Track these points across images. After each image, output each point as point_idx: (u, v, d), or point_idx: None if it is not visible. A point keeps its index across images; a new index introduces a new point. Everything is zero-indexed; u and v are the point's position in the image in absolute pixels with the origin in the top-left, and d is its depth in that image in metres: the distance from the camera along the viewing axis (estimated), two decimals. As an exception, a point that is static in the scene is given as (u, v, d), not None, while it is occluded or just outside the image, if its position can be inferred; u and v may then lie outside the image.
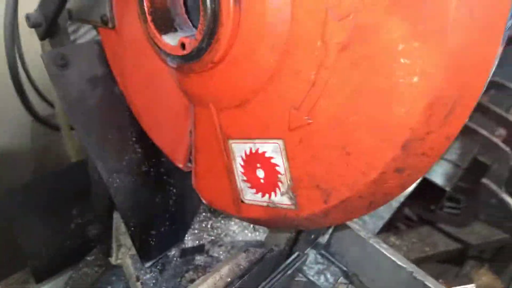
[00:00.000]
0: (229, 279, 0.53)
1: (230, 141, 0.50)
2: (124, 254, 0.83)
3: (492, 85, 1.55)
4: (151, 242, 0.70)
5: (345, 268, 0.73)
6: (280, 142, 0.45)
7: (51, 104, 1.16)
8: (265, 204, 0.50)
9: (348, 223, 0.72)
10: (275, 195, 0.48)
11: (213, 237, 0.87)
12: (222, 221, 0.90)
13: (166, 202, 0.71)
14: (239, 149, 0.49)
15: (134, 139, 0.67)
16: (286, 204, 0.47)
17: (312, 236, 0.71)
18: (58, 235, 0.95)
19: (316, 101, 0.40)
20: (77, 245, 0.96)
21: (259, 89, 0.44)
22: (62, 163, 1.14)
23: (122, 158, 0.66)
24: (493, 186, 1.09)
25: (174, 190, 0.72)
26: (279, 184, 0.47)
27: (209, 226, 0.89)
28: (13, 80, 0.98)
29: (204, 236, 0.87)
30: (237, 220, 0.89)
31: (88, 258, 0.88)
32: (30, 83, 1.11)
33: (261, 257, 0.58)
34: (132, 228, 0.67)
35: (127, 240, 0.82)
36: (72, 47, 0.65)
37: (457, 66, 0.32)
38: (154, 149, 0.67)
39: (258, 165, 0.48)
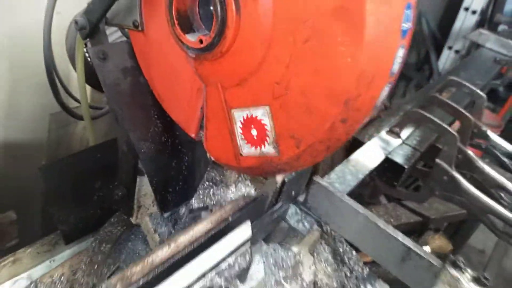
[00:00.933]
0: (231, 213, 0.74)
1: (232, 110, 0.71)
2: (143, 213, 1.02)
3: (453, 83, 1.79)
4: (168, 197, 0.90)
5: (318, 218, 0.94)
6: (267, 107, 0.66)
7: (76, 99, 1.35)
8: (257, 154, 0.70)
9: (321, 182, 0.93)
10: (264, 147, 0.69)
11: (213, 202, 1.07)
12: (222, 190, 1.10)
13: (180, 166, 0.91)
14: (239, 115, 0.70)
15: (156, 116, 0.87)
16: (272, 152, 0.68)
17: (293, 193, 0.92)
18: (83, 204, 1.14)
19: (290, 78, 0.61)
20: (98, 214, 1.15)
21: (253, 72, 0.65)
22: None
23: (147, 130, 0.86)
24: (445, 165, 1.31)
25: (186, 158, 0.92)
26: (267, 138, 0.68)
27: (211, 193, 1.09)
28: (49, 78, 1.18)
29: (207, 200, 1.07)
30: (233, 189, 1.09)
31: (112, 220, 1.08)
32: (60, 82, 1.30)
33: (254, 199, 0.78)
34: (155, 185, 0.87)
35: (146, 201, 1.01)
36: (110, 45, 0.86)
37: (372, 52, 0.53)
38: (172, 124, 0.87)
39: (252, 126, 0.69)
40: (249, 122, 0.69)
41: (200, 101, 0.78)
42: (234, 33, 0.63)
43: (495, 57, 2.48)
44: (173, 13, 0.68)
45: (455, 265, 0.77)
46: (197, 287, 0.58)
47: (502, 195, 1.45)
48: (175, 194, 0.91)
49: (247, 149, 0.71)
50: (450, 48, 3.51)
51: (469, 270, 0.77)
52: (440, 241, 1.36)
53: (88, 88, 1.13)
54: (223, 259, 0.64)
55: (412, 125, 1.48)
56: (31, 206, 1.79)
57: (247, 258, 0.68)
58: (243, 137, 0.71)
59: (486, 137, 1.68)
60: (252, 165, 0.72)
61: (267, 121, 0.66)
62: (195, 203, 1.02)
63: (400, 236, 0.82)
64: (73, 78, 1.30)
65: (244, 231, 0.69)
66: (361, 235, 0.88)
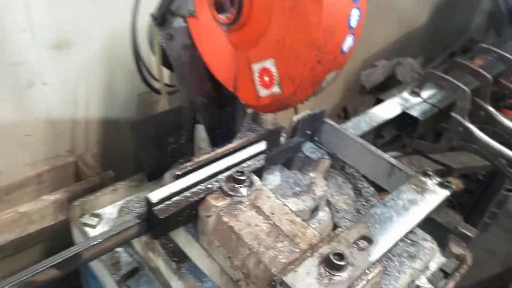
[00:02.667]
0: (253, 137, 1.05)
1: (252, 65, 1.02)
2: (201, 153, 1.38)
3: (482, 50, 1.92)
4: (217, 137, 1.25)
5: (329, 151, 1.22)
6: (273, 59, 0.96)
7: (156, 80, 1.75)
8: (269, 94, 1.01)
9: (330, 123, 1.21)
10: (273, 88, 0.99)
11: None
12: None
13: (224, 115, 1.25)
14: (256, 67, 1.02)
15: (207, 77, 1.22)
16: (278, 91, 0.98)
17: (308, 132, 1.21)
18: (161, 153, 1.53)
19: (284, 36, 0.91)
20: (171, 161, 1.54)
21: (262, 34, 0.96)
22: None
23: (201, 88, 1.21)
24: (459, 118, 1.50)
25: (229, 109, 1.26)
26: (274, 81, 0.98)
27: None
28: (136, 65, 1.59)
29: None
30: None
31: (181, 160, 1.46)
32: (145, 68, 1.71)
33: (272, 129, 1.09)
34: (208, 128, 1.22)
35: (203, 144, 1.37)
36: (174, 29, 1.22)
37: (330, 12, 0.82)
38: (217, 84, 1.21)
39: (265, 74, 1.00)
40: (263, 72, 1.00)
41: (234, 62, 1.11)
42: (248, 9, 0.95)
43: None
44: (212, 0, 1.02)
45: (425, 174, 1.01)
46: (225, 174, 0.91)
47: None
48: (221, 135, 1.25)
49: (263, 91, 1.03)
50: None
51: (436, 178, 1.00)
52: (453, 180, 1.54)
53: (165, 72, 1.50)
54: (244, 161, 0.97)
55: (435, 87, 1.67)
56: (126, 167, 2.27)
57: (261, 162, 0.99)
58: (260, 83, 1.02)
59: (517, 98, 1.81)
60: (267, 103, 1.03)
61: (273, 69, 0.97)
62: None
63: (386, 157, 1.08)
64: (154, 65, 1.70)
65: (260, 146, 1.00)
66: (360, 160, 1.14)
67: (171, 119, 1.52)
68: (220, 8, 1.02)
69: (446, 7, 4.34)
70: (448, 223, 1.40)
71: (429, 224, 1.34)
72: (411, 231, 0.93)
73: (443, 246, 1.40)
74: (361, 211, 1.33)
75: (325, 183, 1.23)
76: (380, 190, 1.54)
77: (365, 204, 1.37)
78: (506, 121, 1.59)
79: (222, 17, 1.01)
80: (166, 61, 1.42)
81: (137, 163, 2.28)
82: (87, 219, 1.32)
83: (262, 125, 1.41)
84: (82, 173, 2.01)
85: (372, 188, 1.44)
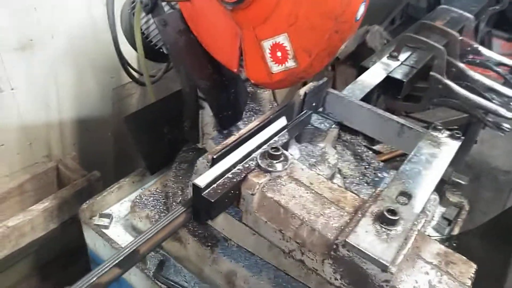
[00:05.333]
0: (271, 114, 1.07)
1: (262, 42, 1.03)
2: (206, 139, 1.37)
3: (444, 11, 2.03)
4: (224, 119, 1.25)
5: (335, 119, 1.26)
6: (285, 34, 0.97)
7: (137, 72, 1.69)
8: (283, 69, 1.02)
9: (335, 92, 1.25)
10: (287, 62, 1.00)
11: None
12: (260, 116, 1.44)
13: (228, 96, 1.25)
14: (267, 44, 1.02)
15: (206, 60, 1.20)
16: (293, 65, 1.00)
17: (313, 104, 1.24)
18: (158, 144, 1.51)
19: (298, 9, 0.92)
20: (170, 151, 1.52)
21: (273, 10, 0.96)
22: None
23: (202, 71, 1.20)
24: (438, 76, 1.59)
25: (232, 90, 1.26)
26: (288, 55, 0.99)
27: (252, 119, 1.42)
28: (119, 58, 1.53)
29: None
30: (269, 115, 1.42)
31: (184, 148, 1.44)
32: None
33: (286, 104, 1.11)
34: (214, 110, 1.21)
35: (208, 129, 1.35)
36: (168, 14, 1.19)
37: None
38: (219, 66, 1.20)
39: (277, 49, 1.01)
40: (274, 47, 1.01)
41: (238, 42, 1.11)
42: (256, -12, 0.95)
43: (490, -17, 2.64)
44: (214, -19, 1.01)
45: (436, 129, 1.08)
46: (258, 153, 0.92)
47: (494, 96, 1.73)
48: (228, 116, 1.25)
49: (275, 67, 1.04)
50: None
51: (446, 131, 1.08)
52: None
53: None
54: (271, 137, 0.98)
55: (409, 50, 1.75)
56: (107, 164, 2.20)
57: (287, 137, 1.01)
58: (272, 59, 1.03)
59: (478, 52, 1.94)
60: (281, 78, 1.04)
61: (287, 44, 0.98)
62: (241, 125, 1.36)
63: (395, 117, 1.14)
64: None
65: (281, 121, 1.02)
66: (368, 123, 1.19)
67: (162, 109, 1.50)
68: (224, -12, 1.01)
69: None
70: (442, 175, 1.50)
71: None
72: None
73: (440, 197, 1.51)
74: (366, 174, 1.40)
75: (336, 151, 1.27)
76: (377, 153, 1.62)
77: (368, 167, 1.43)
78: (476, 75, 1.71)
79: (228, -4, 1.00)
80: (147, 52, 1.39)
81: (120, 157, 2.21)
82: (98, 221, 1.28)
83: (260, 103, 1.42)
84: (66, 177, 1.93)
85: (370, 152, 1.51)
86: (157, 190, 1.33)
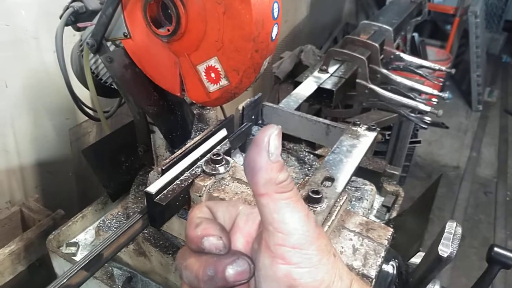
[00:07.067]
0: (212, 127, 1.21)
1: (197, 66, 1.18)
2: (160, 161, 1.49)
3: (365, 25, 2.28)
4: (174, 140, 1.38)
5: (273, 128, 1.42)
6: (216, 57, 1.13)
7: (91, 109, 1.80)
8: (218, 88, 1.17)
9: (270, 105, 1.41)
10: (221, 81, 1.16)
11: (206, 144, 1.54)
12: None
13: (176, 119, 1.38)
14: (202, 68, 1.17)
15: (152, 89, 1.34)
16: (226, 83, 1.15)
17: (253, 117, 1.40)
18: (117, 172, 1.61)
19: (222, 36, 1.09)
20: (129, 177, 1.62)
21: (202, 38, 1.12)
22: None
23: (150, 99, 1.33)
24: (363, 82, 1.80)
25: (179, 113, 1.40)
26: (221, 75, 1.15)
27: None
28: (73, 98, 1.64)
29: (201, 143, 1.54)
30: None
31: (141, 172, 1.55)
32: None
33: (226, 119, 1.26)
34: (163, 132, 1.34)
35: (160, 151, 1.48)
36: (112, 52, 1.32)
37: (258, 9, 1.01)
38: (163, 92, 1.34)
39: (211, 71, 1.16)
40: (208, 70, 1.17)
41: (177, 69, 1.25)
42: (185, 20, 1.10)
43: (411, -1, 2.94)
44: (148, 19, 1.16)
45: (355, 124, 1.25)
46: (202, 160, 1.05)
47: (416, 95, 1.96)
48: (177, 137, 1.38)
49: (212, 87, 1.19)
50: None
51: (364, 125, 1.25)
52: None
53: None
54: (213, 147, 1.12)
55: (337, 63, 1.97)
56: (72, 203, 2.26)
57: (228, 145, 1.15)
58: (208, 80, 1.18)
59: (401, 58, 2.19)
60: (217, 96, 1.19)
61: (218, 65, 1.14)
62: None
63: (321, 120, 1.31)
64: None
65: (222, 132, 1.16)
66: (300, 128, 1.36)
67: (117, 139, 1.61)
68: (158, 24, 1.16)
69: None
70: (378, 168, 1.69)
71: (364, 173, 1.61)
72: (353, 175, 1.17)
73: (378, 188, 1.69)
74: (309, 175, 1.56)
75: (277, 156, 1.42)
76: (318, 157, 1.78)
77: (310, 169, 1.59)
78: (398, 78, 1.94)
79: (162, 31, 1.15)
80: (98, 89, 1.51)
81: (83, 195, 2.28)
82: (65, 250, 1.35)
83: (207, 123, 1.56)
84: (30, 219, 1.97)
85: (312, 156, 1.67)
86: (119, 213, 1.42)
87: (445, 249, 0.72)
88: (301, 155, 1.64)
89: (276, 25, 1.08)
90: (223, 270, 0.49)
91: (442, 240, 0.73)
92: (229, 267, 0.49)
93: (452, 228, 0.74)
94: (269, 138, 0.46)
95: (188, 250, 0.54)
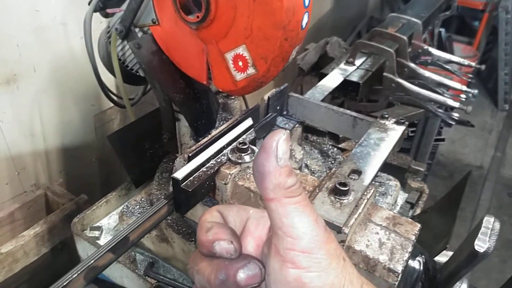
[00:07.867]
0: (238, 117, 1.20)
1: (225, 53, 1.17)
2: (184, 148, 1.49)
3: (394, 18, 2.23)
4: (199, 128, 1.38)
5: (298, 119, 1.40)
6: (244, 45, 1.12)
7: (117, 96, 1.81)
8: (245, 76, 1.16)
9: (296, 95, 1.39)
10: (248, 70, 1.15)
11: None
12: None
13: (201, 106, 1.38)
14: (229, 56, 1.17)
15: (179, 76, 1.34)
16: (253, 72, 1.14)
17: (278, 107, 1.38)
18: (141, 159, 1.62)
19: (251, 23, 1.07)
20: (153, 164, 1.63)
21: (231, 26, 1.11)
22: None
23: (176, 86, 1.33)
24: (390, 75, 1.77)
25: (204, 101, 1.40)
26: (248, 64, 1.14)
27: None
28: (99, 84, 1.65)
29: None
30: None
31: (165, 159, 1.56)
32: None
33: (252, 108, 1.25)
34: (189, 120, 1.34)
35: (185, 139, 1.48)
36: (140, 38, 1.33)
37: (289, 0, 1.00)
38: (190, 80, 1.34)
39: (238, 59, 1.15)
40: (236, 58, 1.16)
41: (204, 57, 1.25)
42: (215, 7, 1.09)
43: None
44: (178, 5, 1.15)
45: (383, 117, 1.23)
46: (228, 149, 1.05)
47: (444, 91, 1.92)
48: (202, 125, 1.38)
49: (239, 76, 1.18)
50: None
51: (392, 118, 1.23)
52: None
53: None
54: (239, 136, 1.11)
55: (364, 55, 1.93)
56: (95, 188, 2.29)
57: (254, 135, 1.14)
58: (235, 69, 1.18)
59: (429, 53, 2.14)
60: (244, 84, 1.18)
61: (246, 54, 1.13)
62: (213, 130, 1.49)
63: (348, 112, 1.29)
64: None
65: (247, 122, 1.16)
66: (326, 120, 1.34)
67: (142, 126, 1.62)
68: (187, 11, 1.16)
69: (346, -8, 4.80)
70: (402, 164, 1.66)
71: (388, 168, 1.59)
72: (380, 169, 1.14)
73: (403, 184, 1.66)
74: (332, 168, 1.54)
75: (301, 148, 1.41)
76: (342, 150, 1.76)
77: (333, 162, 1.57)
78: (426, 73, 1.90)
79: (191, 17, 1.15)
80: (124, 76, 1.52)
81: (105, 181, 2.31)
82: (89, 233, 1.37)
83: (232, 112, 1.56)
84: (54, 203, 2.01)
85: (336, 149, 1.65)
86: (142, 199, 1.44)
87: (482, 244, 0.70)
88: (325, 148, 1.63)
89: (306, 13, 1.06)
90: (235, 274, 0.50)
91: (479, 235, 0.70)
92: (240, 271, 0.50)
93: (490, 223, 0.72)
94: (277, 143, 0.46)
95: (200, 254, 0.55)
